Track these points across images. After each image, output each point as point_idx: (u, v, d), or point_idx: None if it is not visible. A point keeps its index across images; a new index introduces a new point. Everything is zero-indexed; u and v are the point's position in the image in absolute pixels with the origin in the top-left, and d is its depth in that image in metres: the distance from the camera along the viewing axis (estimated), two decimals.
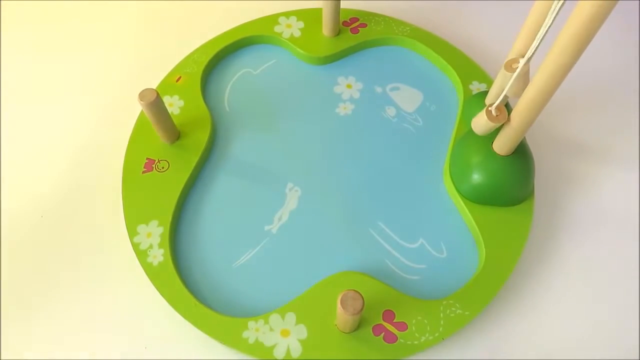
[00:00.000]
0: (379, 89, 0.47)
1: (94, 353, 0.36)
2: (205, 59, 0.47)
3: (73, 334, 0.37)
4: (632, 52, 0.52)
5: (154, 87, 0.44)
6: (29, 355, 0.36)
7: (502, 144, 0.37)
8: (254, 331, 0.35)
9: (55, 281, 0.39)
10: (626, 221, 0.42)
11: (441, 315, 0.36)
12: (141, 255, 0.38)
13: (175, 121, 0.42)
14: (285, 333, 0.35)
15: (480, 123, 0.36)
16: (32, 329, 0.37)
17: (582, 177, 0.44)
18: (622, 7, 0.26)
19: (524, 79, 0.33)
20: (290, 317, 0.35)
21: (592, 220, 0.42)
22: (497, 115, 0.35)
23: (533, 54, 0.32)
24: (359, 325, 0.35)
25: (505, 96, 0.35)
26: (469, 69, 0.47)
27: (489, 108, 0.35)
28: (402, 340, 0.35)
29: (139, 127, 0.43)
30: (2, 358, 0.36)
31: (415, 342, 0.35)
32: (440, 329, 0.35)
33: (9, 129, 0.46)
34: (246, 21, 0.50)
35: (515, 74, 0.33)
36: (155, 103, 0.38)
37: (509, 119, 0.35)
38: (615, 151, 0.46)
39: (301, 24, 0.50)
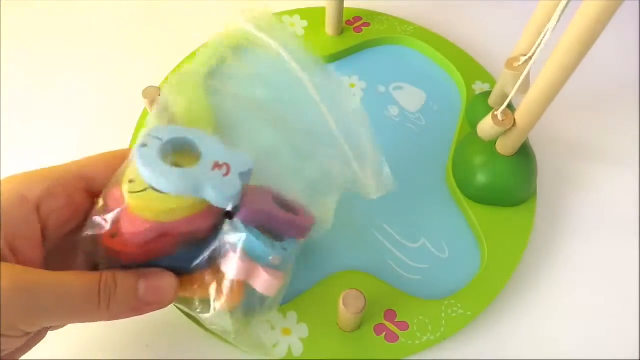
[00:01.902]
0: (382, 88, 0.47)
1: (94, 352, 0.36)
2: None
3: (72, 332, 0.37)
4: (633, 52, 0.52)
5: (157, 85, 0.44)
6: (28, 354, 0.36)
7: (505, 144, 0.37)
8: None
9: None
10: (627, 221, 0.42)
11: (443, 315, 0.36)
12: None
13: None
14: (286, 332, 0.35)
15: (486, 128, 0.36)
16: None
17: (583, 177, 0.44)
18: (622, 7, 0.26)
19: (526, 77, 0.33)
20: (292, 315, 0.35)
21: (594, 220, 0.42)
22: (503, 120, 0.35)
23: (535, 51, 0.32)
24: (360, 325, 0.35)
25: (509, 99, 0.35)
26: (472, 69, 0.47)
27: (495, 113, 0.35)
28: (403, 340, 0.35)
29: (142, 125, 0.43)
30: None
31: (417, 342, 0.35)
32: (442, 328, 0.35)
33: (10, 127, 0.46)
34: None
35: (525, 73, 0.33)
36: None
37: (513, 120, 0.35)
38: (617, 151, 0.46)
39: (304, 23, 0.50)
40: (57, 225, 0.25)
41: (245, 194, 0.27)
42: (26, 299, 0.22)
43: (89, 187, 0.27)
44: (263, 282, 0.27)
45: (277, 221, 0.28)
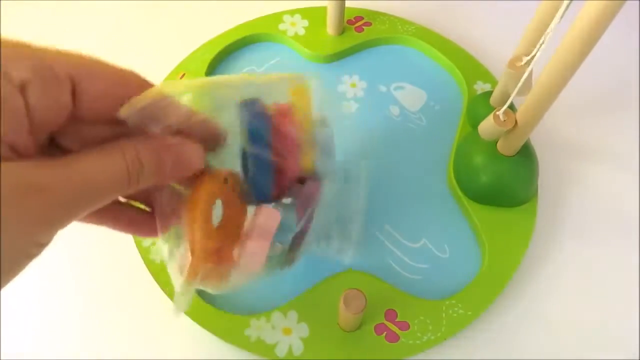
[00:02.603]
0: (383, 88, 0.47)
1: (95, 351, 0.36)
2: (209, 57, 0.47)
3: (73, 331, 0.37)
4: (633, 52, 0.52)
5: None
6: (28, 355, 0.36)
7: (506, 144, 0.37)
8: (256, 329, 0.35)
9: (56, 278, 0.39)
10: (628, 221, 0.42)
11: (443, 315, 0.36)
12: (144, 252, 0.38)
13: None
14: (287, 331, 0.35)
15: (488, 128, 0.36)
16: (32, 326, 0.37)
17: (584, 178, 0.44)
18: (623, 7, 0.26)
19: (528, 77, 0.33)
20: (293, 315, 0.35)
21: (595, 220, 0.42)
22: (504, 120, 0.35)
23: (537, 51, 0.32)
24: (361, 324, 0.35)
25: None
26: (474, 69, 0.47)
27: (497, 113, 0.35)
28: (404, 340, 0.35)
29: None
30: (2, 358, 0.36)
31: (417, 342, 0.35)
32: (443, 329, 0.35)
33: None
34: (250, 19, 0.50)
35: (526, 73, 0.33)
36: None
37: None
38: (617, 151, 0.46)
39: (306, 22, 0.50)
40: (42, 119, 0.21)
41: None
42: (70, 194, 0.20)
43: (74, 92, 0.22)
44: (260, 249, 0.28)
45: (305, 224, 0.30)
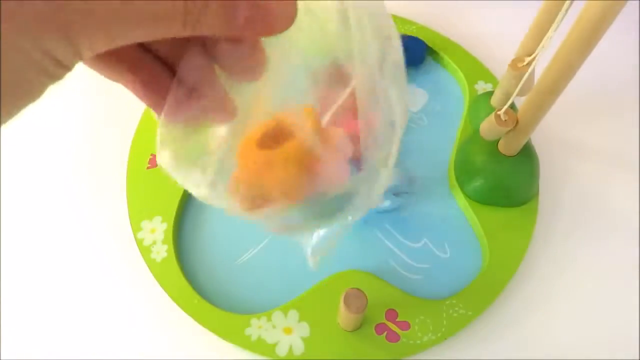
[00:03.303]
0: None
1: (95, 350, 0.36)
2: None
3: (74, 331, 0.37)
4: (633, 52, 0.52)
5: None
6: (29, 354, 0.36)
7: (507, 145, 0.37)
8: (257, 328, 0.35)
9: (57, 277, 0.39)
10: (628, 221, 0.42)
11: (444, 315, 0.36)
12: (145, 251, 0.38)
13: None
14: (287, 331, 0.35)
15: (489, 128, 0.36)
16: (33, 326, 0.37)
17: (584, 178, 0.44)
18: (623, 8, 0.26)
19: (530, 78, 0.33)
20: (293, 314, 0.35)
21: (595, 220, 0.42)
22: (505, 120, 0.35)
23: (539, 52, 0.32)
24: (361, 324, 0.35)
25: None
26: (475, 69, 0.47)
27: (498, 112, 0.35)
28: (404, 340, 0.35)
29: (144, 123, 0.43)
30: (2, 358, 0.36)
31: (418, 342, 0.35)
32: (443, 328, 0.35)
33: (9, 126, 0.46)
34: None
35: (527, 73, 0.33)
36: None
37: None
38: (617, 151, 0.46)
39: None
40: None
41: None
42: (107, 12, 0.15)
43: None
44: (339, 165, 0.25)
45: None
